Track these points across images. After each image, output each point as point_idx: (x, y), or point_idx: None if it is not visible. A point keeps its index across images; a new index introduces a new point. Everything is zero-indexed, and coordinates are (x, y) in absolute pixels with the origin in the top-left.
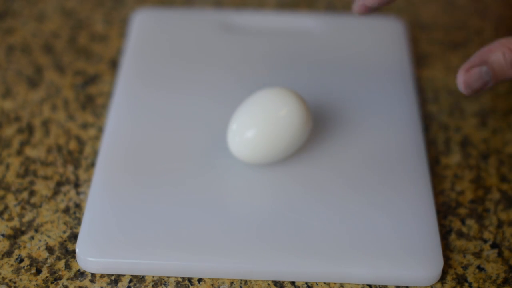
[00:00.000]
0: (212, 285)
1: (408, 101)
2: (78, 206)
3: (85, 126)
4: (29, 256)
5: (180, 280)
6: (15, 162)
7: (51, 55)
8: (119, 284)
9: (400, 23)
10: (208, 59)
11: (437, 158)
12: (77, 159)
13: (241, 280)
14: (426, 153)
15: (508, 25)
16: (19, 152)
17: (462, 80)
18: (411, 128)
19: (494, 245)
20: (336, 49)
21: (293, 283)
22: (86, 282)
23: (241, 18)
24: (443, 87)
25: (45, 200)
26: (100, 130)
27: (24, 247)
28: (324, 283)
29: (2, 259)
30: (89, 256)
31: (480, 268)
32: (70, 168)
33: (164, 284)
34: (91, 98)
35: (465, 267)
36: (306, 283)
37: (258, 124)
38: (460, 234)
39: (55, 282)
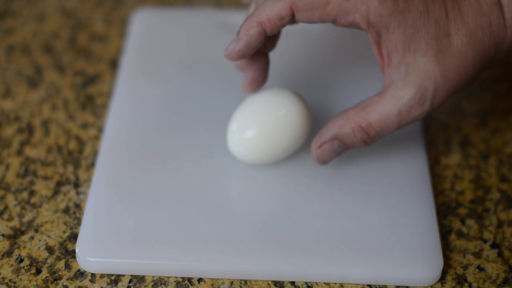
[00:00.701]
0: (212, 285)
1: None
2: (78, 206)
3: (85, 126)
4: (29, 256)
5: (180, 280)
6: (15, 162)
7: (51, 55)
8: (119, 284)
9: None
10: (208, 59)
11: (437, 158)
12: (77, 159)
13: (241, 280)
14: (426, 153)
15: None
16: (19, 152)
17: (316, 156)
18: (411, 128)
19: (494, 245)
20: (336, 49)
21: (293, 283)
22: (86, 282)
23: (241, 18)
24: None
25: (45, 200)
26: (100, 130)
27: (24, 247)
28: (324, 283)
29: (2, 259)
30: (89, 256)
31: (480, 268)
32: (70, 168)
33: (164, 284)
34: (91, 98)
35: (465, 267)
36: (306, 283)
37: (258, 124)
38: (460, 234)
39: (55, 282)
